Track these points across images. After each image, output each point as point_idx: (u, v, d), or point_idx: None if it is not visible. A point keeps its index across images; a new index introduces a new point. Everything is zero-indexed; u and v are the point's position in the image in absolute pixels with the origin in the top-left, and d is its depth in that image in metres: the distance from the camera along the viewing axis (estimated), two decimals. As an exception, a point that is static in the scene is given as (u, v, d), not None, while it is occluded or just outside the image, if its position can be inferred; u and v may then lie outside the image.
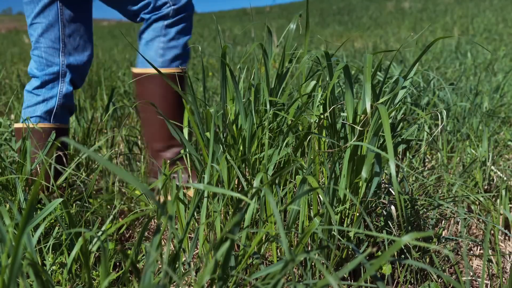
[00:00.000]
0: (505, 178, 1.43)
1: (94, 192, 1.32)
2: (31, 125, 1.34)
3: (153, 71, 1.30)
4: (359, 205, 0.87)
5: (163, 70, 1.36)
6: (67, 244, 0.97)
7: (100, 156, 0.44)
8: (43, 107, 1.39)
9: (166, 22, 1.38)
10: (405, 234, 0.93)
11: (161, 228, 0.56)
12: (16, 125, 1.39)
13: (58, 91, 1.41)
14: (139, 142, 1.90)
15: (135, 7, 1.38)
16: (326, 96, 0.95)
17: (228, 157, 1.02)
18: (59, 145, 1.34)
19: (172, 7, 1.37)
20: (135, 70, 1.43)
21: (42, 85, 1.40)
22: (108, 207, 1.29)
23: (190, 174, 1.10)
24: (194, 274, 0.78)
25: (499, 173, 1.46)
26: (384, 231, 0.98)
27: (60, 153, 1.35)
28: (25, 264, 0.56)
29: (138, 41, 1.45)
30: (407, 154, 1.62)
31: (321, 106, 0.99)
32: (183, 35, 1.44)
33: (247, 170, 1.10)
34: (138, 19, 1.42)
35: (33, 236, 0.84)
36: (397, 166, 1.28)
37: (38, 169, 1.29)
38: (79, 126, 1.86)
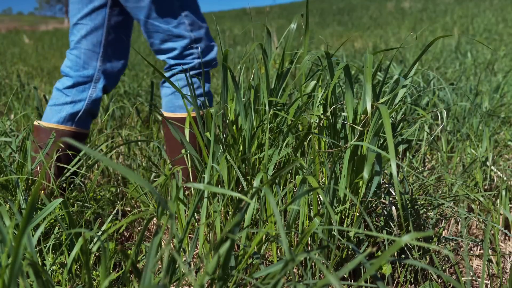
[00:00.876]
0: (505, 178, 1.43)
1: (95, 191, 1.32)
2: (51, 126, 1.35)
3: (182, 115, 1.41)
4: (359, 205, 0.87)
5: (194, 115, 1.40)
6: (67, 244, 0.97)
7: (104, 156, 0.44)
8: (69, 108, 1.39)
9: (192, 73, 1.41)
10: (405, 234, 0.93)
11: (161, 228, 0.56)
12: (38, 123, 1.39)
13: (88, 95, 1.41)
14: (139, 143, 1.90)
15: (163, 46, 1.41)
16: (326, 96, 0.95)
17: (228, 157, 1.02)
18: (62, 145, 1.34)
19: (197, 60, 1.41)
20: (169, 114, 1.46)
21: (74, 86, 1.40)
22: (109, 207, 1.29)
23: None
24: (194, 274, 0.78)
25: (499, 173, 1.46)
26: (384, 231, 0.98)
27: (72, 155, 1.37)
28: (25, 264, 0.56)
29: (161, 86, 1.49)
30: (407, 154, 1.62)
31: (321, 106, 0.99)
32: (208, 82, 1.47)
33: (247, 170, 1.10)
34: (161, 58, 1.45)
35: (33, 236, 0.84)
36: (398, 166, 1.28)
37: (39, 169, 1.29)
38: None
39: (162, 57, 1.44)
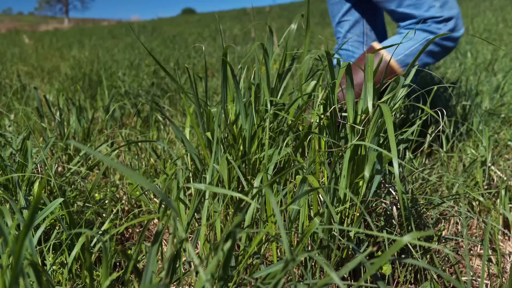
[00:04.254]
0: (505, 178, 1.43)
1: (96, 191, 1.32)
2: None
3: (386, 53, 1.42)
4: (360, 204, 0.87)
5: (395, 66, 1.45)
6: (68, 244, 0.97)
7: (105, 156, 0.44)
8: None
9: (430, 37, 1.45)
10: (406, 234, 0.93)
11: (162, 228, 0.56)
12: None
13: None
14: (139, 143, 1.90)
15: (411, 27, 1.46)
16: (326, 96, 0.95)
17: (228, 157, 1.02)
18: (65, 146, 1.35)
19: (441, 31, 1.45)
20: (377, 45, 1.49)
21: None
22: (110, 206, 1.29)
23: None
24: (195, 274, 0.78)
25: (499, 172, 1.46)
26: (384, 231, 0.98)
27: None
28: (26, 264, 0.56)
29: (398, 27, 1.53)
30: (407, 153, 1.62)
31: (322, 106, 0.99)
32: (434, 58, 1.51)
33: (247, 170, 1.10)
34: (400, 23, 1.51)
35: (33, 236, 0.84)
36: (399, 165, 1.27)
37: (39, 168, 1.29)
38: (79, 126, 1.86)
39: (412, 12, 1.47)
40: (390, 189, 1.02)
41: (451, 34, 1.45)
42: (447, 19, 1.44)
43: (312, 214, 0.91)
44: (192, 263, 0.94)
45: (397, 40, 1.45)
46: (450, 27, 1.44)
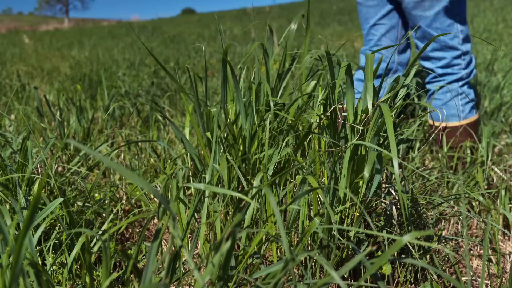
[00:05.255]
0: (505, 178, 1.43)
1: (96, 191, 1.32)
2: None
3: (454, 124, 1.55)
4: (360, 204, 0.87)
5: (466, 122, 1.56)
6: (68, 244, 0.97)
7: (105, 156, 0.44)
8: None
9: (461, 83, 1.54)
10: (406, 234, 0.93)
11: (162, 228, 0.56)
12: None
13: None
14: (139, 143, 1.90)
15: (433, 54, 1.55)
16: (326, 96, 0.95)
17: (228, 156, 1.02)
18: (64, 146, 1.35)
19: (464, 71, 1.55)
20: (436, 123, 1.60)
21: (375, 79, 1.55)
22: (110, 206, 1.29)
23: None
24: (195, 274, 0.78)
25: (499, 172, 1.46)
26: (384, 231, 0.98)
27: None
28: (26, 264, 0.56)
29: (428, 97, 1.62)
30: (410, 153, 1.62)
31: (322, 106, 0.99)
32: (472, 88, 1.61)
33: (247, 169, 1.10)
34: (426, 66, 1.58)
35: (33, 236, 0.84)
36: (399, 165, 1.27)
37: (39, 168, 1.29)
38: (79, 126, 1.86)
39: (428, 64, 1.57)
40: (390, 189, 1.02)
41: (468, 69, 1.56)
42: (466, 53, 1.56)
43: (312, 214, 0.91)
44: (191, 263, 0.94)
45: (445, 108, 1.56)
46: (467, 62, 1.55)
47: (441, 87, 1.56)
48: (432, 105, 1.59)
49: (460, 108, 1.55)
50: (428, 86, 1.62)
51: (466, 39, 1.54)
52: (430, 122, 1.63)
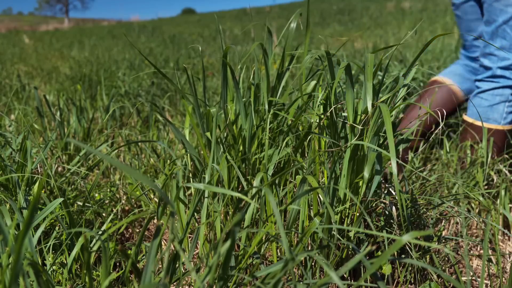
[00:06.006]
0: (506, 175, 1.43)
1: (96, 191, 1.32)
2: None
3: (492, 126, 1.54)
4: (359, 204, 0.87)
5: (506, 127, 1.56)
6: (67, 244, 0.97)
7: (106, 154, 0.44)
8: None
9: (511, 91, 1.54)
10: (406, 234, 0.93)
11: (162, 228, 0.56)
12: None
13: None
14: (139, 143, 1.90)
15: (497, 52, 1.53)
16: (326, 96, 0.95)
17: (228, 157, 1.02)
18: (64, 146, 1.34)
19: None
20: (478, 122, 1.58)
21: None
22: (110, 206, 1.29)
23: None
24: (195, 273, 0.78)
25: (503, 169, 1.46)
26: (384, 231, 0.98)
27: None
28: (26, 264, 0.56)
29: (474, 96, 1.61)
30: (410, 153, 1.62)
31: (322, 106, 0.99)
32: None
33: (247, 169, 1.10)
34: (486, 63, 1.57)
35: (33, 235, 0.84)
36: (398, 165, 1.27)
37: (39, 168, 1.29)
38: (79, 126, 1.86)
39: (488, 62, 1.56)
40: (390, 189, 1.02)
41: None
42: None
43: (312, 214, 0.91)
44: (192, 263, 0.94)
45: (489, 111, 1.56)
46: None
47: (494, 88, 1.55)
48: (476, 104, 1.57)
49: (503, 115, 1.55)
50: (477, 84, 1.60)
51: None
52: (466, 118, 1.61)
